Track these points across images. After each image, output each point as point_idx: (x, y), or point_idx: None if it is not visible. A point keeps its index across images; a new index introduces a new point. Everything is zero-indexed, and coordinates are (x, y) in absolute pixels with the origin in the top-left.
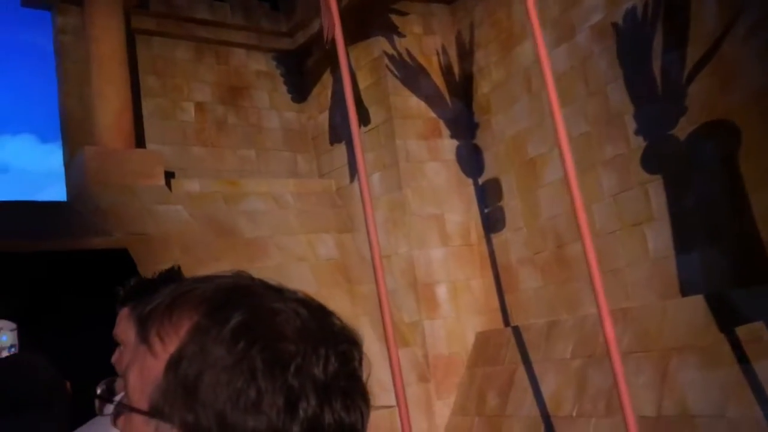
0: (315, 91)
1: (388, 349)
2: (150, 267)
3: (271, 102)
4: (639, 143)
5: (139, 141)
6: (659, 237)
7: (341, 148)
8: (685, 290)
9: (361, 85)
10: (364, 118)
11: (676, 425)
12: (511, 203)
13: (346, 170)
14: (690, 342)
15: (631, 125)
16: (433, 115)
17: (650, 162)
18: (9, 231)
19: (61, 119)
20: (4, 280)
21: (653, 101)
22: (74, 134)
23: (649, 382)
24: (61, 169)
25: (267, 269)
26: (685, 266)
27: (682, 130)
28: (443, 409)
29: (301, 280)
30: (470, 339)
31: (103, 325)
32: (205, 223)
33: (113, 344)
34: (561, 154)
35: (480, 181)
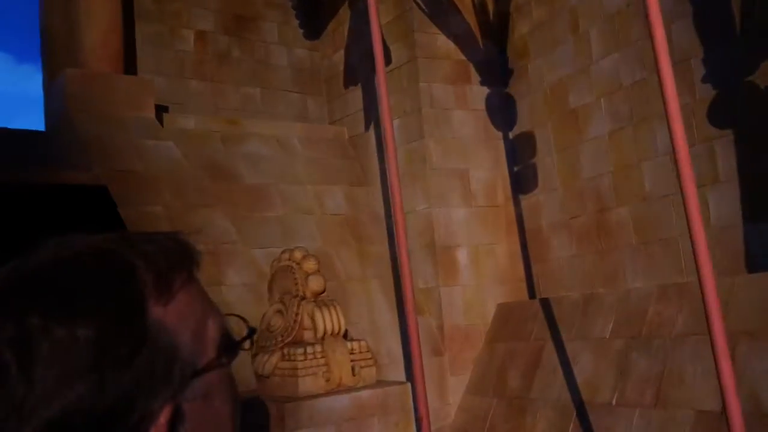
0: (330, 27)
1: (408, 320)
2: (133, 208)
3: (280, 36)
4: (707, 92)
5: (130, 69)
6: (725, 202)
7: (356, 92)
8: (754, 265)
9: (383, 20)
10: (384, 57)
11: (746, 423)
12: (546, 160)
13: (360, 117)
14: (763, 326)
15: (699, 71)
16: (462, 57)
17: (719, 114)
18: None
19: (42, 38)
20: None
21: (728, 42)
22: (56, 56)
23: (711, 370)
24: (40, 95)
25: (268, 220)
26: (756, 237)
27: (764, 76)
28: (457, 386)
29: (306, 235)
30: (490, 310)
31: None
32: (199, 164)
33: None
34: (662, 88)
35: (511, 134)
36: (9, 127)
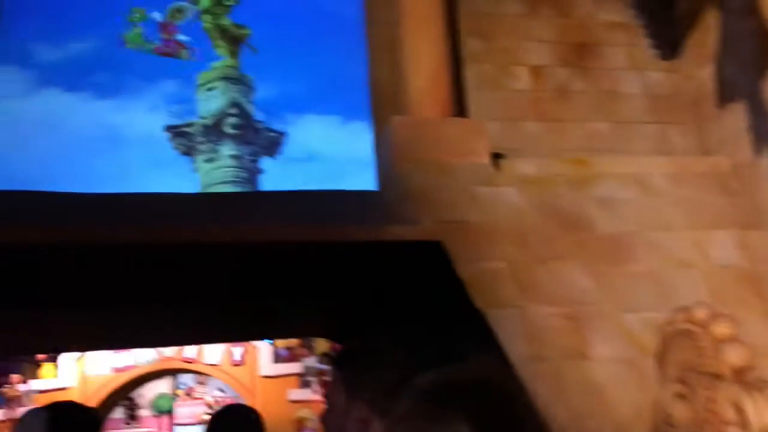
0: (692, 39)
1: None
2: (470, 264)
3: (629, 60)
4: None
5: (460, 115)
6: None
7: (736, 111)
8: None
9: None
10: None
11: None
12: None
13: (744, 141)
14: None
15: None
16: None
17: None
18: (299, 218)
19: (370, 92)
20: (298, 285)
21: None
22: (384, 108)
23: None
24: (367, 153)
25: (635, 275)
26: None
27: None
28: None
29: (688, 292)
30: None
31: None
32: (544, 211)
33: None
34: None
35: None
36: (338, 189)
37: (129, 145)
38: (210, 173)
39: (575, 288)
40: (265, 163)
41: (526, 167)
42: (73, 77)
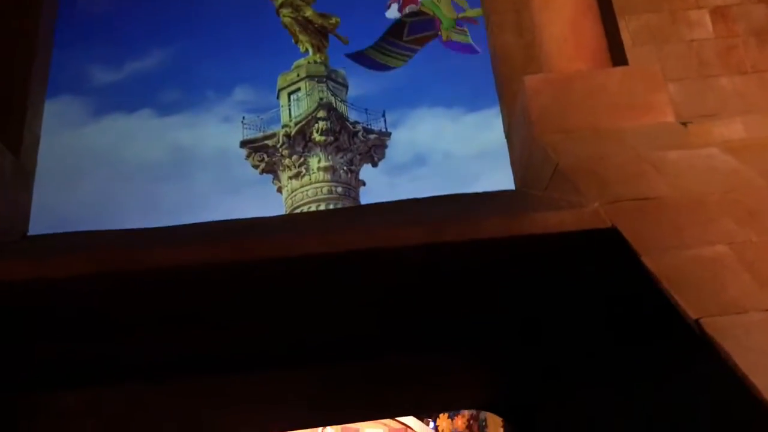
0: None
1: None
2: (668, 253)
3: None
4: None
5: None
6: None
7: None
8: None
9: None
10: None
11: None
12: None
13: None
14: None
15: None
16: None
17: None
18: (408, 223)
19: (494, 68)
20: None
21: None
22: (513, 83)
23: None
24: (498, 146)
25: None
26: None
27: None
28: None
29: None
30: None
31: None
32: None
33: None
34: None
35: None
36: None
37: (199, 166)
38: (298, 192)
39: None
40: (366, 172)
41: (729, 128)
42: (134, 98)
